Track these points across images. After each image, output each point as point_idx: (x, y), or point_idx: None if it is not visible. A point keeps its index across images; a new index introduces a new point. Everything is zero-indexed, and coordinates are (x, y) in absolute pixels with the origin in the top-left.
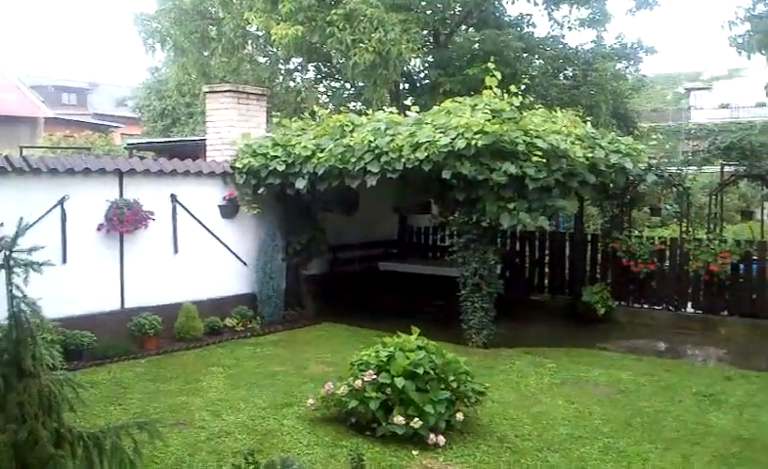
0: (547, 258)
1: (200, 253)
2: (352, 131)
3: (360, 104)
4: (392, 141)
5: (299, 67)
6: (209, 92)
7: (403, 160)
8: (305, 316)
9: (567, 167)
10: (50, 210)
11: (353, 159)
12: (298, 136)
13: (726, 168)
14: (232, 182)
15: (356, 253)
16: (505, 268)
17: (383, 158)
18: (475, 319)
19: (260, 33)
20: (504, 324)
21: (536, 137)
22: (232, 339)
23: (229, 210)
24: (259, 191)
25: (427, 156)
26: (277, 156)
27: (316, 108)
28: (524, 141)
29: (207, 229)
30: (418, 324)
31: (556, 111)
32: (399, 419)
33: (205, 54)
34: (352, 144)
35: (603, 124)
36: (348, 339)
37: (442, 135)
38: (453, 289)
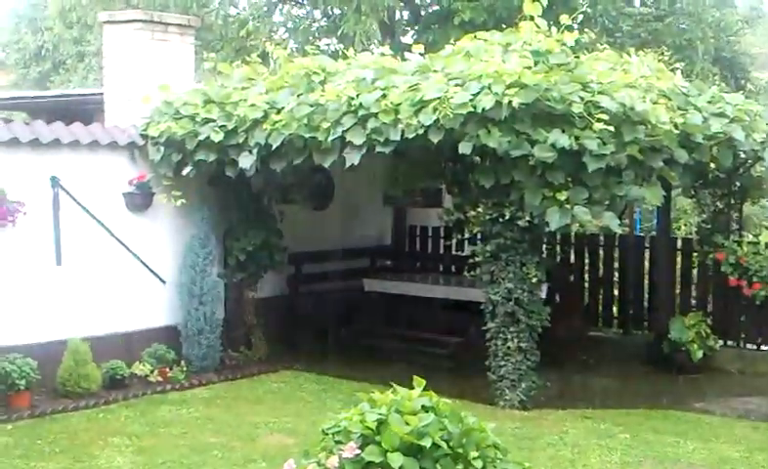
0: (616, 275)
1: (96, 265)
2: (323, 82)
3: (335, 41)
4: (383, 97)
5: None
6: (108, 22)
7: (400, 127)
8: (253, 360)
9: (646, 139)
10: None
11: (325, 125)
12: (243, 89)
13: None
14: (143, 158)
15: (329, 266)
16: (554, 289)
17: (370, 124)
18: (508, 365)
19: None
20: (552, 373)
21: (600, 93)
22: (144, 394)
23: (138, 200)
24: (184, 173)
25: (436, 121)
26: (210, 120)
27: (269, 48)
28: (581, 98)
29: (106, 228)
30: (424, 373)
31: (629, 55)
32: None
33: None
34: (324, 102)
35: (700, 74)
36: (318, 395)
37: (459, 89)
38: (476, 321)
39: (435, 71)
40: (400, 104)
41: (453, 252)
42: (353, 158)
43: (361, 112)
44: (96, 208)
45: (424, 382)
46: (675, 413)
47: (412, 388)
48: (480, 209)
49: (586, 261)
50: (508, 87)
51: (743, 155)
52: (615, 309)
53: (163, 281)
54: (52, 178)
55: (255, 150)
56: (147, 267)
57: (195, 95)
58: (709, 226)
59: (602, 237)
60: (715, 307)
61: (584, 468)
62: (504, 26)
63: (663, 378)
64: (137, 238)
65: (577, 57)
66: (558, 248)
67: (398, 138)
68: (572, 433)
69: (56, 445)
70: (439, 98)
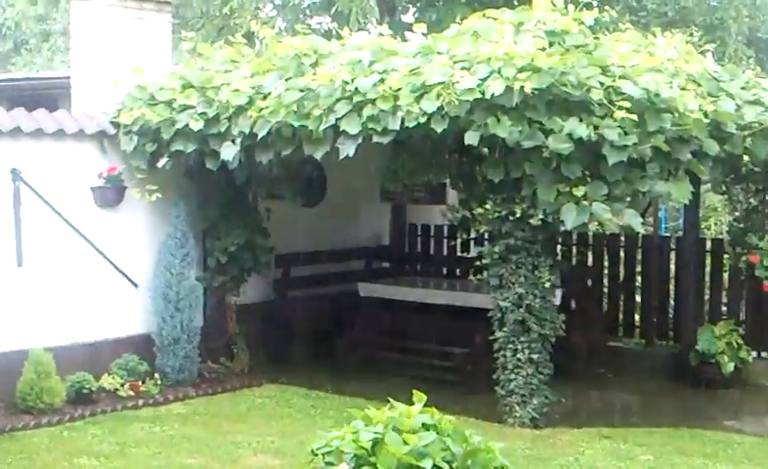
0: (639, 279)
1: (60, 266)
2: (315, 65)
3: (329, 19)
4: (381, 82)
5: None
6: None
7: (400, 115)
8: (235, 372)
9: (673, 128)
10: None
11: (316, 112)
12: (226, 72)
13: None
14: (114, 148)
15: (321, 268)
16: (569, 295)
17: (367, 111)
18: (518, 378)
19: None
20: (567, 388)
21: (622, 78)
22: (113, 410)
23: (109, 195)
24: (159, 164)
25: (440, 108)
26: (189, 106)
27: (255, 27)
28: (601, 84)
29: (72, 225)
30: (425, 387)
31: (654, 35)
32: None
33: None
34: (315, 87)
35: (733, 57)
36: (307, 411)
37: (465, 73)
38: (483, 330)
39: (439, 53)
40: (399, 89)
41: (458, 253)
42: (347, 149)
43: (356, 99)
44: (61, 204)
45: (425, 397)
46: (703, 432)
47: (412, 403)
48: (488, 206)
49: (605, 264)
50: (520, 71)
51: None
52: (636, 317)
53: (136, 285)
54: (12, 170)
55: (239, 140)
56: (117, 269)
57: (173, 78)
58: (742, 225)
59: (623, 238)
60: (748, 315)
61: None
62: (516, 4)
63: (690, 393)
64: (107, 237)
65: (597, 38)
66: (574, 250)
67: (397, 127)
68: (588, 454)
69: (15, 466)
70: (443, 83)
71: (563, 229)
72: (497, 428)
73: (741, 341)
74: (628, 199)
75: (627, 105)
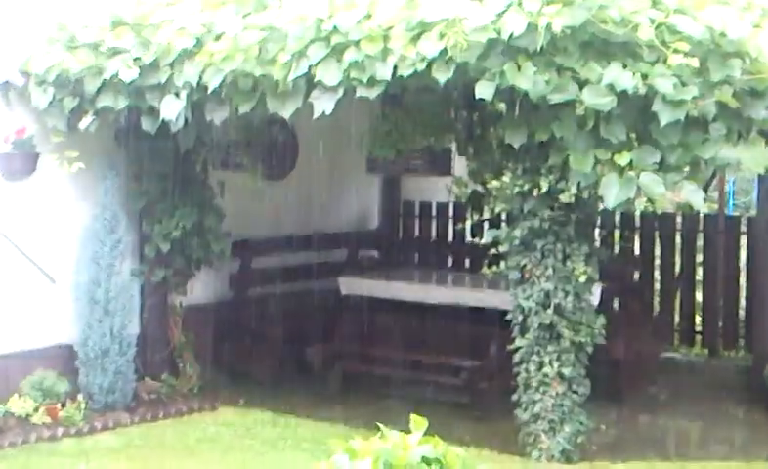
0: (700, 272)
1: None
2: None
3: None
4: (368, 17)
5: None
6: None
7: (391, 61)
8: (182, 392)
9: (743, 78)
10: None
11: (283, 57)
12: (168, 6)
13: None
14: (23, 104)
15: (290, 259)
16: (611, 292)
17: (349, 56)
18: (546, 399)
19: None
20: (608, 412)
21: (678, 12)
22: (24, 443)
23: (17, 164)
24: (82, 125)
25: (443, 52)
26: (121, 50)
27: None
28: (651, 20)
29: None
30: (425, 410)
31: None
32: None
33: None
34: (282, 25)
35: None
36: (273, 443)
37: (476, 6)
38: (499, 336)
39: None
40: (391, 28)
41: (467, 239)
42: (324, 105)
43: (335, 40)
44: None
45: (426, 423)
46: None
47: (409, 431)
48: (505, 178)
49: (657, 252)
50: (547, 3)
51: None
52: (697, 320)
53: (53, 281)
54: None
55: (184, 94)
56: (28, 259)
57: (99, 14)
58: None
59: (679, 219)
60: None
61: None
62: None
63: (767, 420)
64: (14, 219)
65: None
66: (617, 234)
67: (388, 76)
68: None
69: None
70: (447, 19)
71: (602, 207)
72: (519, 462)
73: None
74: (687, 169)
75: (685, 47)
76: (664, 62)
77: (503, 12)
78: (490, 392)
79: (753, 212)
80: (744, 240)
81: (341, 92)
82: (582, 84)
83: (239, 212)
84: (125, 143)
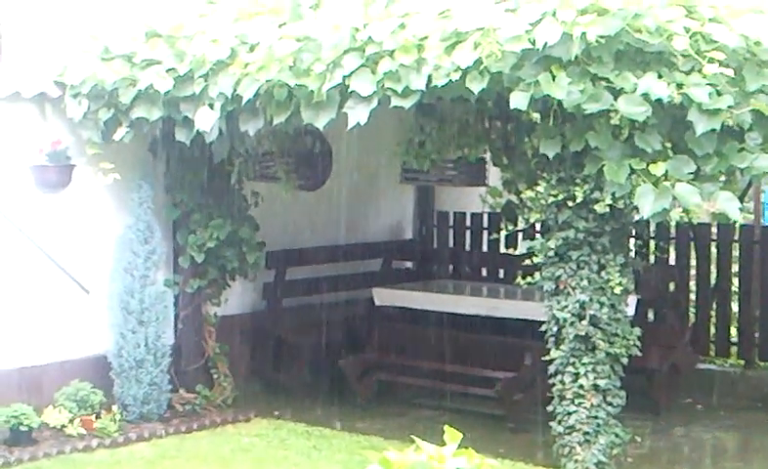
0: (736, 282)
1: None
2: (317, 7)
3: None
4: (402, 27)
5: None
6: None
7: (426, 71)
8: (216, 404)
9: None
10: None
11: (318, 68)
12: (201, 17)
13: None
14: (58, 116)
15: (324, 269)
16: (647, 303)
17: (383, 66)
18: (581, 411)
19: None
20: (644, 424)
21: (713, 21)
22: (59, 453)
23: (52, 176)
24: (117, 137)
25: (478, 62)
26: (155, 61)
27: None
28: (686, 29)
29: (3, 214)
30: (460, 422)
31: None
32: None
33: None
34: (317, 35)
35: None
36: (308, 454)
37: (510, 15)
38: (534, 348)
39: None
40: (426, 37)
41: (502, 250)
42: (358, 116)
43: (370, 50)
44: None
45: (460, 435)
46: None
47: (443, 443)
48: (540, 188)
49: (692, 263)
50: (581, 13)
51: None
52: (733, 331)
53: (87, 291)
54: None
55: (218, 105)
56: (63, 270)
57: (133, 25)
58: None
59: (715, 229)
60: None
61: None
62: None
63: None
64: (49, 230)
65: None
66: (652, 244)
67: (422, 86)
68: None
69: None
70: (481, 28)
71: (637, 217)
72: None
73: None
74: (722, 179)
75: (720, 56)
76: (699, 71)
77: (538, 21)
78: (524, 403)
79: None
80: None
81: (375, 102)
82: (617, 94)
83: (274, 223)
84: (159, 154)
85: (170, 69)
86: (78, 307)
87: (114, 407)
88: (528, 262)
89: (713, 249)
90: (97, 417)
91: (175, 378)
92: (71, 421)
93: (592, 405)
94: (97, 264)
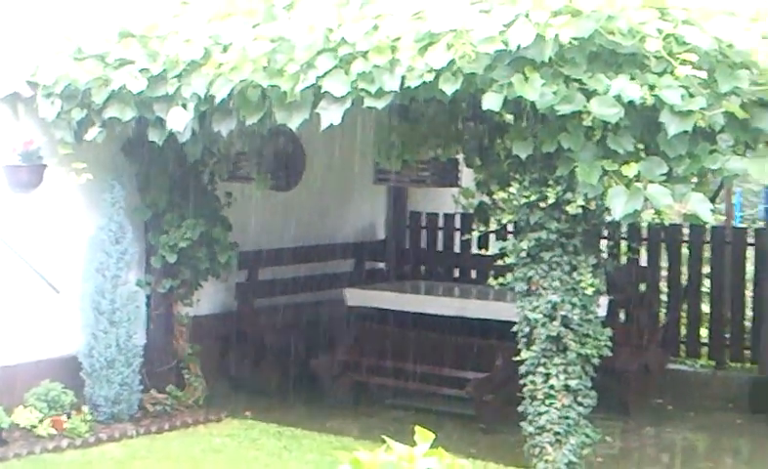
0: (707, 283)
1: None
2: (290, 7)
3: None
4: (375, 29)
5: None
6: None
7: (399, 72)
8: (187, 404)
9: (751, 88)
10: None
11: (291, 68)
12: (174, 17)
13: None
14: (31, 116)
15: (296, 270)
16: (618, 304)
17: (357, 67)
18: (552, 411)
19: None
20: (614, 424)
21: (686, 23)
22: (29, 454)
23: (24, 176)
24: (89, 136)
25: (451, 64)
26: (128, 61)
27: None
28: (659, 31)
29: None
30: (431, 422)
31: None
32: None
33: None
34: (290, 36)
35: None
36: (279, 454)
37: (483, 16)
38: (506, 348)
39: None
40: (399, 38)
41: (474, 251)
42: (332, 116)
43: (343, 51)
44: None
45: (431, 435)
46: None
47: (414, 443)
48: (512, 189)
49: (664, 264)
50: (554, 14)
51: None
52: (704, 332)
53: (58, 291)
54: None
55: (191, 105)
56: (34, 270)
57: (106, 25)
58: None
59: (687, 230)
60: None
61: None
62: None
63: None
64: (20, 229)
65: None
66: (623, 245)
67: (396, 87)
68: None
69: None
70: (454, 30)
71: (609, 218)
72: None
73: None
74: (694, 181)
75: (693, 58)
76: (672, 73)
77: (511, 23)
78: (495, 404)
79: (761, 224)
80: (750, 252)
81: (349, 103)
82: (590, 95)
83: (246, 223)
84: (132, 154)
85: (143, 70)
86: (49, 307)
87: (85, 408)
88: (500, 263)
89: (685, 250)
90: (67, 417)
91: (146, 378)
92: (42, 421)
93: (563, 406)
94: (68, 264)
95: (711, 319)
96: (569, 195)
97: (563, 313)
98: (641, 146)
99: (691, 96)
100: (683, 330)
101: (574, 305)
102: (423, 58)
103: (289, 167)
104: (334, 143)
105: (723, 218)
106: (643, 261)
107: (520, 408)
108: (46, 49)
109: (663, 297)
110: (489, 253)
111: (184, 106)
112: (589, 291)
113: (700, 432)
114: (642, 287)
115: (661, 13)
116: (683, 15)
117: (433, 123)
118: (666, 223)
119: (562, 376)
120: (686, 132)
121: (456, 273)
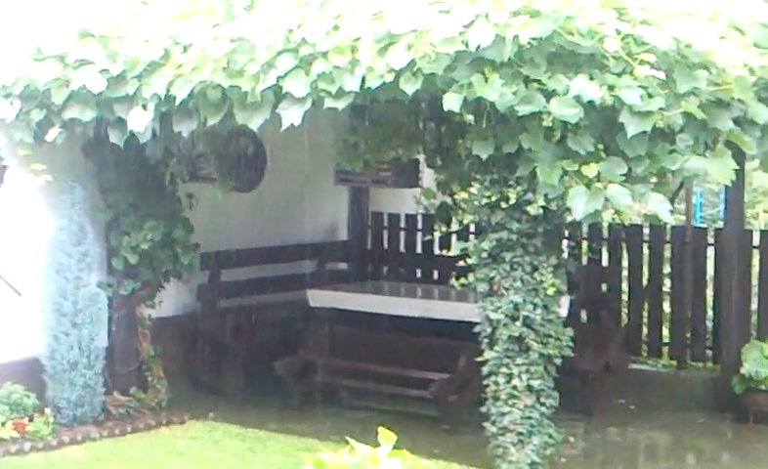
0: (668, 283)
1: None
2: (250, 8)
3: None
4: (336, 29)
5: None
6: None
7: (359, 72)
8: (150, 406)
9: (710, 89)
10: None
11: (252, 69)
12: (134, 17)
13: None
14: None
15: (258, 271)
16: (580, 304)
17: (317, 67)
18: (514, 411)
19: None
20: (577, 424)
21: (644, 23)
22: None
23: None
24: (49, 137)
25: (412, 64)
26: (88, 62)
27: None
28: (617, 31)
29: None
30: (394, 423)
31: None
32: None
33: None
34: (250, 36)
35: None
36: (242, 456)
37: (443, 17)
38: (468, 349)
39: None
40: (359, 38)
41: (436, 251)
42: (292, 117)
43: (303, 51)
44: None
45: (394, 436)
46: None
47: (378, 444)
48: (473, 190)
49: (625, 264)
50: (514, 15)
51: None
52: (665, 332)
53: (19, 293)
54: None
55: (151, 105)
56: None
57: (66, 25)
58: None
59: (647, 230)
60: None
61: None
62: None
63: (734, 429)
64: None
65: None
66: (585, 245)
67: (356, 88)
68: None
69: None
70: (415, 30)
71: (570, 219)
72: None
73: None
74: (654, 181)
75: (651, 58)
76: (631, 73)
77: (471, 23)
78: (459, 404)
79: (720, 224)
80: (711, 252)
81: (309, 103)
82: (549, 95)
83: (208, 224)
84: (93, 155)
85: (103, 70)
86: (10, 309)
87: (47, 410)
88: (462, 263)
89: (645, 250)
90: (30, 420)
91: (109, 381)
92: (3, 424)
93: (526, 406)
94: (29, 266)
95: (672, 318)
96: (530, 196)
97: (525, 313)
98: (601, 146)
99: (650, 96)
100: (644, 330)
101: (535, 305)
102: (383, 58)
103: (250, 168)
104: (296, 143)
105: (683, 218)
106: (604, 261)
107: (483, 409)
108: (5, 49)
109: (624, 297)
110: (451, 254)
111: (144, 106)
112: (551, 291)
113: (662, 431)
114: (603, 287)
115: (619, 13)
116: (641, 15)
117: (394, 124)
118: (627, 223)
119: (524, 376)
120: (645, 132)
121: (419, 273)
